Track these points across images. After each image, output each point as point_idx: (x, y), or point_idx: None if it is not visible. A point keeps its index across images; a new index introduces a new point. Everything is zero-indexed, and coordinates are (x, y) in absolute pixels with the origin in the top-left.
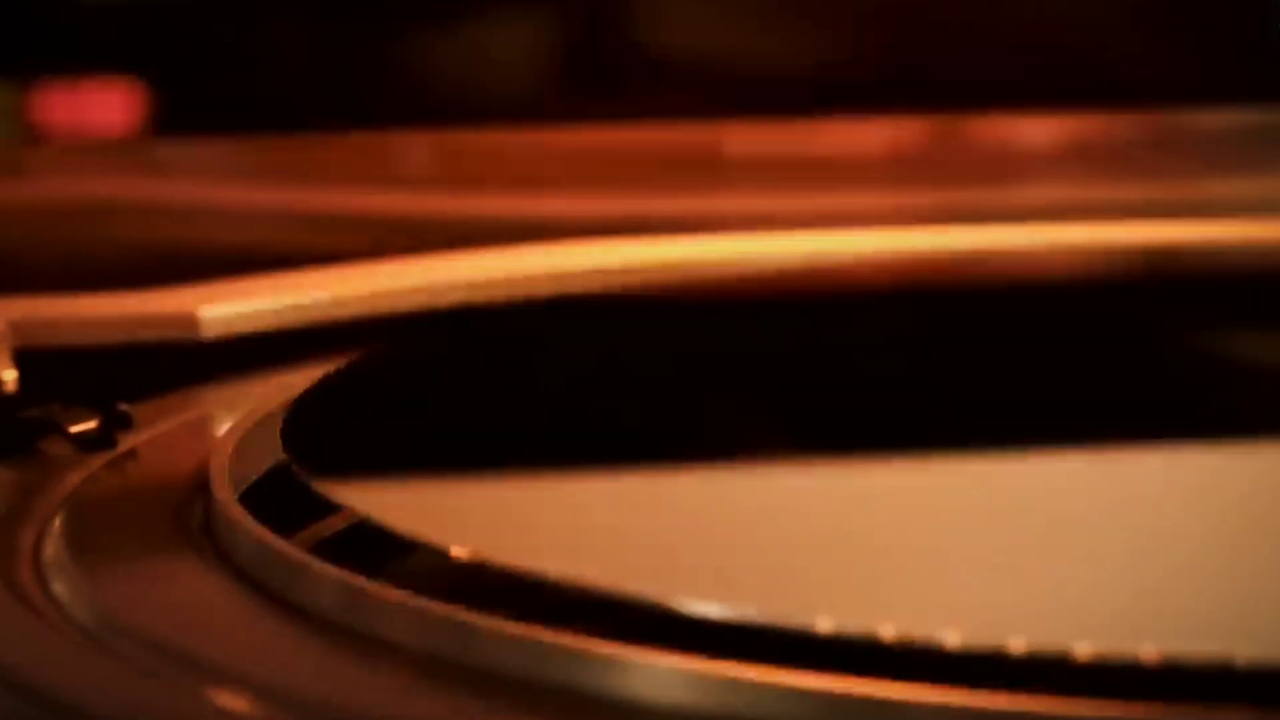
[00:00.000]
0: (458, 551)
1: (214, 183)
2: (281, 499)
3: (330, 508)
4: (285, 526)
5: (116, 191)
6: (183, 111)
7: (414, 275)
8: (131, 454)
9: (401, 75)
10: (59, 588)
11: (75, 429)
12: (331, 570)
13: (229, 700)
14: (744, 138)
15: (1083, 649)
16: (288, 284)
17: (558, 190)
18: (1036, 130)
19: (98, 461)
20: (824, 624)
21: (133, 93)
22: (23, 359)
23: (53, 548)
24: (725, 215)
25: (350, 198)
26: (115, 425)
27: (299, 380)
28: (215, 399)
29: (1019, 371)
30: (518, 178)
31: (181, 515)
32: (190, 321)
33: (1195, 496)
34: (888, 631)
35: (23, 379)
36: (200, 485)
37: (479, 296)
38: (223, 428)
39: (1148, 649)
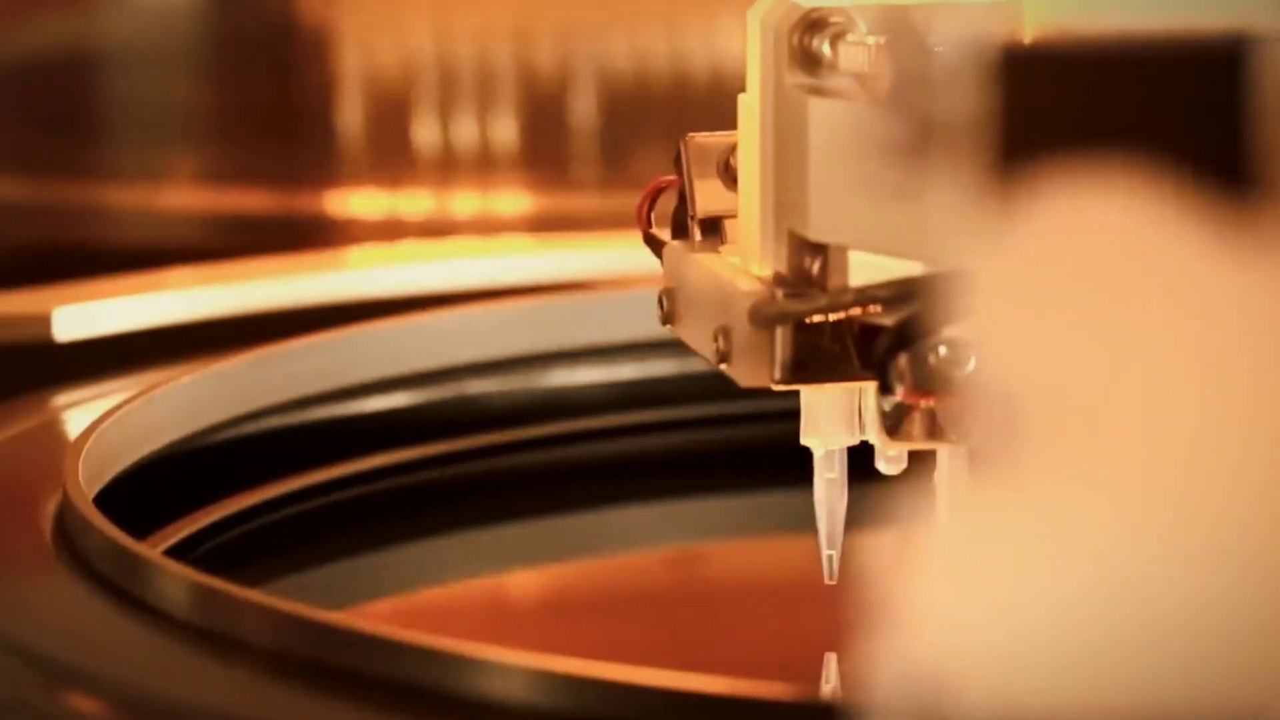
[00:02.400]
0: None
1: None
2: (137, 501)
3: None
4: (140, 528)
5: None
6: None
7: (273, 275)
8: None
9: None
10: None
11: None
12: (185, 571)
13: (82, 702)
14: None
15: None
16: (146, 284)
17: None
18: None
19: None
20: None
21: None
22: None
23: None
24: None
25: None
26: None
27: (158, 380)
28: (72, 400)
29: None
30: None
31: (36, 517)
32: (44, 323)
33: None
34: None
35: None
36: (55, 487)
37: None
38: (78, 429)
39: None
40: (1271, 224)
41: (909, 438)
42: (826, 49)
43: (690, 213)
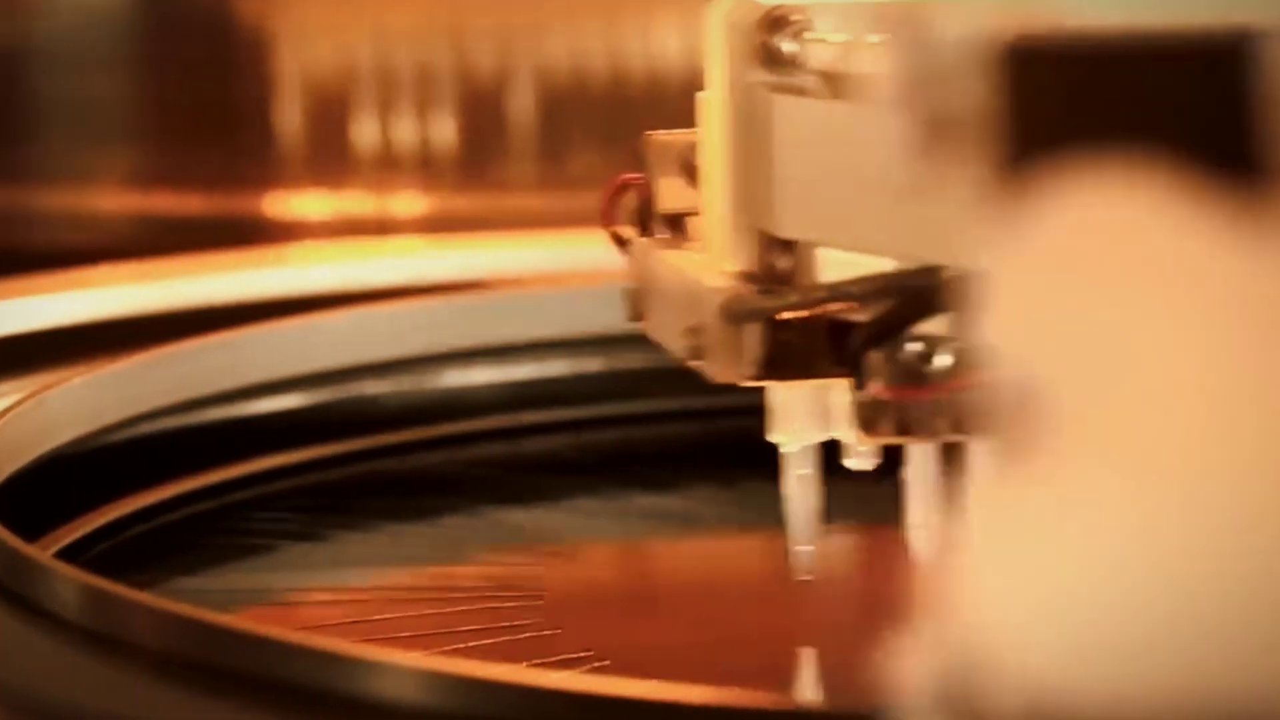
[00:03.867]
0: None
1: None
2: (30, 502)
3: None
4: (34, 530)
5: None
6: None
7: (176, 276)
8: None
9: None
10: None
11: None
12: (73, 573)
13: None
14: None
15: None
16: (50, 284)
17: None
18: None
19: None
20: None
21: None
22: None
23: None
24: None
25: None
26: None
27: (51, 381)
28: None
29: None
30: None
31: None
32: None
33: None
34: None
35: None
36: None
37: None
38: None
39: None
40: (1278, 213)
41: (882, 433)
42: (790, 46)
43: (653, 210)
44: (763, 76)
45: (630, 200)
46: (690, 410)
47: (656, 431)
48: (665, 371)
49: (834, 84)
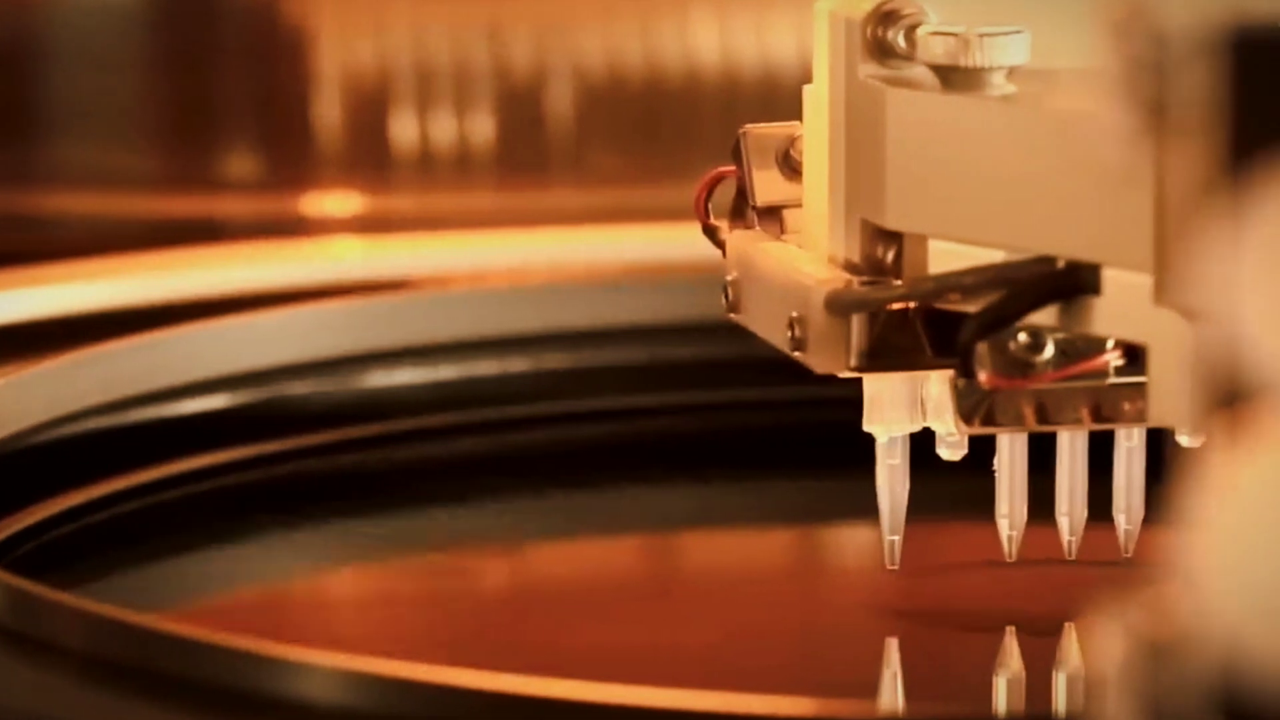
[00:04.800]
0: None
1: None
2: None
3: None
4: None
5: None
6: None
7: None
8: None
9: None
10: None
11: None
12: None
13: None
14: None
15: None
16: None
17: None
18: None
19: None
20: None
21: None
22: None
23: None
24: None
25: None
26: None
27: None
28: None
29: None
30: None
31: None
32: None
33: None
34: None
35: None
36: None
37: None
38: None
39: None
40: None
41: (985, 423)
42: (901, 40)
43: (750, 203)
44: (874, 70)
45: (723, 193)
46: (617, 410)
47: (584, 431)
48: (590, 371)
49: (949, 77)
